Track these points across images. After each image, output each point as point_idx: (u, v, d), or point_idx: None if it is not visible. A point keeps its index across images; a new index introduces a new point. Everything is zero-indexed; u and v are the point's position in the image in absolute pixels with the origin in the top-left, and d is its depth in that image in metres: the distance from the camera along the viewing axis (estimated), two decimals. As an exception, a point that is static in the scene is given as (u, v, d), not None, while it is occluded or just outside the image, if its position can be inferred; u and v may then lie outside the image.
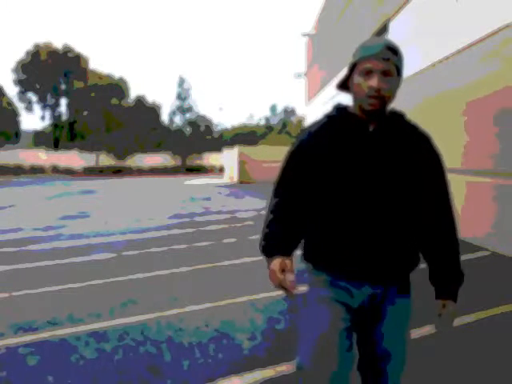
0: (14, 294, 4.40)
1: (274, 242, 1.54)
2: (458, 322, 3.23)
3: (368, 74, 1.40)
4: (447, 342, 2.94)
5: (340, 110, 1.54)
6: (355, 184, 1.43)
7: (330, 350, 1.42)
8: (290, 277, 1.45)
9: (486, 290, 4.02)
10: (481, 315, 3.41)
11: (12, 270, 5.44)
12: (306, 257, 1.57)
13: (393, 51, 1.42)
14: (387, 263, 1.46)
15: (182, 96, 51.16)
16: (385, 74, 1.39)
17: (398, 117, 1.52)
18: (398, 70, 1.43)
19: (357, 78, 1.44)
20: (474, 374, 2.55)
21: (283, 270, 1.47)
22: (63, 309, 3.88)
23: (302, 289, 1.56)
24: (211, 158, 49.38)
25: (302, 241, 1.59)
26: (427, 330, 3.11)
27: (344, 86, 1.56)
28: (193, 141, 49.42)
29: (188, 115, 51.46)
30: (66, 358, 2.92)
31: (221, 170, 41.09)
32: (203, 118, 53.34)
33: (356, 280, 1.47)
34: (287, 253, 1.53)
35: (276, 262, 1.49)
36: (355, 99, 1.48)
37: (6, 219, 10.54)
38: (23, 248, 6.85)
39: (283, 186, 1.60)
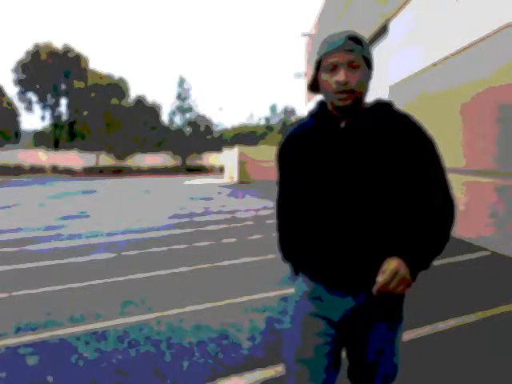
0: (13, 293, 4.40)
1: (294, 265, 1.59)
2: (458, 322, 3.25)
3: (333, 69, 1.33)
4: (447, 342, 2.94)
5: (320, 106, 1.47)
6: (326, 185, 1.38)
7: (303, 368, 1.39)
8: None
9: (486, 290, 4.02)
10: (481, 315, 3.41)
11: (12, 270, 5.44)
12: (297, 261, 1.57)
13: (356, 41, 1.34)
14: (368, 268, 1.34)
15: (181, 96, 51.16)
16: (351, 66, 1.32)
17: (383, 107, 1.41)
18: (367, 61, 1.36)
19: (323, 75, 1.37)
20: (475, 374, 2.55)
21: None
22: (63, 309, 3.89)
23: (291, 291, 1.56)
24: (211, 158, 49.39)
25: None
26: (427, 330, 3.11)
27: (314, 86, 1.48)
28: (193, 141, 49.42)
29: (188, 115, 51.46)
30: (66, 358, 2.92)
31: (221, 169, 41.10)
32: (203, 118, 53.35)
33: (336, 289, 1.40)
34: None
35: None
36: (326, 98, 1.41)
37: (6, 219, 10.54)
38: (23, 248, 6.85)
39: (281, 194, 1.59)
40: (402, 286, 1.26)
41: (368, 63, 1.37)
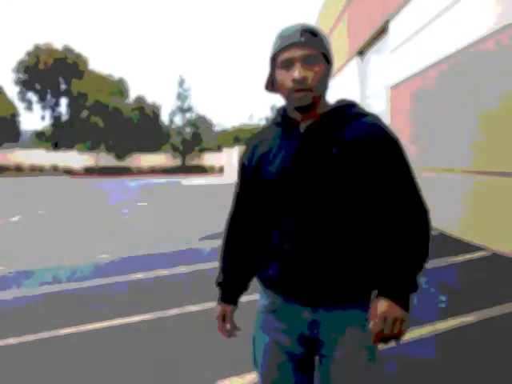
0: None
1: (221, 290, 1.53)
2: (458, 322, 3.24)
3: (288, 65, 1.22)
4: (447, 342, 2.94)
5: (280, 113, 1.37)
6: (286, 189, 1.28)
7: None
8: (226, 326, 1.53)
9: (486, 290, 4.02)
10: (481, 315, 3.40)
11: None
12: (256, 274, 1.45)
13: (312, 33, 1.23)
14: (324, 284, 1.24)
15: (181, 96, 51.12)
16: (307, 61, 1.21)
17: (342, 108, 1.30)
18: (325, 55, 1.25)
19: (279, 73, 1.26)
20: (475, 375, 2.55)
21: (224, 317, 1.52)
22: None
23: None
24: (211, 158, 49.36)
25: None
26: (427, 330, 3.11)
27: (269, 85, 1.38)
28: (192, 141, 49.38)
29: (188, 115, 51.42)
30: (66, 358, 2.92)
31: (221, 169, 41.07)
32: (203, 118, 53.32)
33: (293, 301, 1.30)
34: (230, 301, 1.52)
35: (218, 311, 1.55)
36: (283, 98, 1.30)
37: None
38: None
39: (237, 198, 1.49)
40: (398, 326, 1.17)
41: (326, 58, 1.26)
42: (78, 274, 5.12)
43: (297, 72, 1.21)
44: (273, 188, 1.31)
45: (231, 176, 28.73)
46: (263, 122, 58.38)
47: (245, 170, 1.43)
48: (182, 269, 5.25)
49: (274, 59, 1.28)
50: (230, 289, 1.51)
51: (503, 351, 2.83)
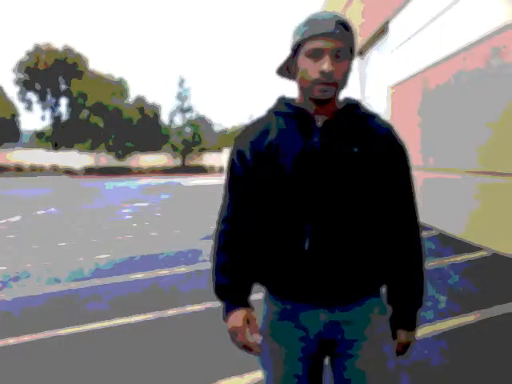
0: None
1: (233, 293, 1.29)
2: (458, 322, 3.24)
3: (317, 55, 1.16)
4: (447, 342, 2.94)
5: (284, 103, 1.30)
6: (307, 185, 1.21)
7: None
8: (257, 337, 1.22)
9: (486, 290, 4.02)
10: (481, 315, 3.40)
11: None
12: (259, 279, 1.33)
13: (345, 26, 1.17)
14: (340, 283, 1.22)
15: (181, 96, 51.13)
16: (337, 55, 1.16)
17: (353, 106, 1.28)
18: (352, 51, 1.21)
19: (303, 61, 1.19)
20: (475, 375, 2.54)
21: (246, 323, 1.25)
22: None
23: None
24: (211, 158, 49.35)
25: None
26: (427, 330, 3.10)
27: (284, 70, 1.33)
28: (192, 141, 49.39)
29: (188, 115, 51.43)
30: (66, 358, 2.92)
31: (221, 169, 41.06)
32: (203, 118, 53.33)
33: (308, 304, 1.24)
34: (248, 303, 1.30)
35: (239, 318, 1.24)
36: (301, 87, 1.24)
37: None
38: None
39: (232, 192, 1.33)
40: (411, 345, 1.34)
41: (352, 52, 1.22)
42: (77, 274, 5.12)
43: (326, 65, 1.15)
44: (287, 185, 1.22)
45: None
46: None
47: (244, 163, 1.29)
48: (182, 269, 5.25)
49: (298, 45, 1.20)
50: (242, 290, 1.31)
51: (503, 351, 2.82)
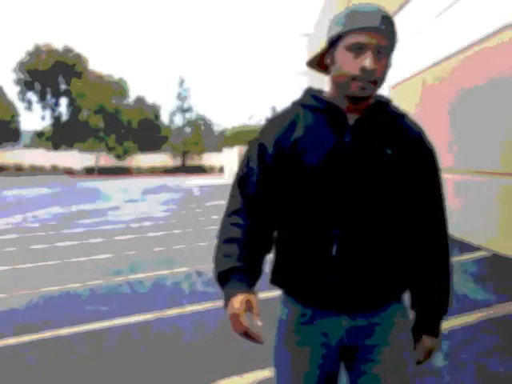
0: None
1: (237, 273, 1.14)
2: (458, 322, 3.24)
3: (359, 50, 1.09)
4: (447, 342, 2.94)
5: (313, 96, 1.23)
6: (336, 186, 1.15)
7: None
8: (259, 323, 1.07)
9: (486, 290, 4.02)
10: (481, 315, 3.40)
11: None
12: (275, 280, 1.26)
13: (390, 22, 1.11)
14: (366, 289, 1.17)
15: (181, 96, 51.16)
16: (379, 51, 1.10)
17: (383, 105, 1.21)
18: (393, 48, 1.15)
19: (342, 55, 1.12)
20: (474, 375, 2.54)
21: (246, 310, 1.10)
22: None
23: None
24: (211, 158, 49.38)
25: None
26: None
27: (317, 63, 1.26)
28: (192, 141, 49.41)
29: (188, 115, 51.47)
30: (66, 358, 2.92)
31: (221, 170, 41.09)
32: (203, 118, 53.36)
33: (329, 310, 1.18)
34: (251, 285, 1.16)
35: (238, 301, 1.09)
36: (335, 82, 1.17)
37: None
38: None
39: (247, 185, 1.23)
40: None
41: (392, 49, 1.15)
42: (77, 274, 5.12)
43: (368, 61, 1.08)
44: (314, 186, 1.15)
45: (232, 176, 28.79)
46: (263, 123, 58.42)
47: (265, 159, 1.21)
48: (183, 269, 5.25)
49: (338, 37, 1.13)
50: (249, 273, 1.17)
51: (504, 351, 2.82)
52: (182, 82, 51.02)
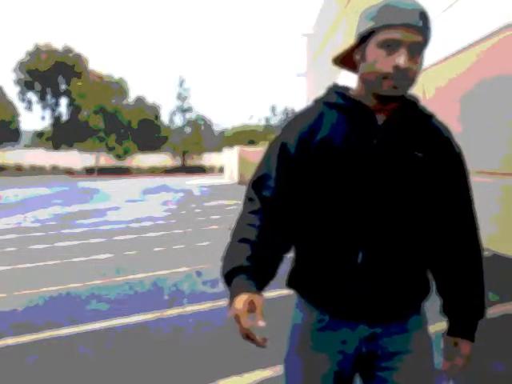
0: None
1: (245, 272, 1.07)
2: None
3: (392, 46, 1.02)
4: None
5: (338, 93, 1.16)
6: (363, 190, 1.09)
7: None
8: (261, 323, 0.97)
9: (486, 290, 4.01)
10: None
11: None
12: (292, 283, 1.22)
13: (425, 15, 1.04)
14: (390, 298, 1.12)
15: (181, 96, 51.18)
16: (414, 50, 1.03)
17: (412, 104, 1.15)
18: (426, 45, 1.08)
19: (373, 51, 1.05)
20: (474, 375, 2.54)
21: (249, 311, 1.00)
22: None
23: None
24: (211, 158, 49.39)
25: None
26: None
27: (344, 60, 1.19)
28: (192, 141, 49.42)
29: (188, 115, 51.48)
30: (66, 358, 2.92)
31: (221, 170, 41.10)
32: (203, 117, 53.38)
33: (350, 318, 1.14)
34: (259, 287, 1.07)
35: (241, 301, 0.99)
36: (365, 80, 1.10)
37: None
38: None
39: (265, 185, 1.16)
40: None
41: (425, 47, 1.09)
42: (77, 274, 5.12)
43: (403, 59, 1.01)
44: (340, 190, 1.10)
45: (232, 176, 28.77)
46: (263, 123, 58.50)
47: (287, 159, 1.15)
48: (182, 269, 5.25)
49: (369, 32, 1.06)
50: (258, 274, 1.08)
51: (504, 351, 2.82)
52: (181, 82, 51.05)
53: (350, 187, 1.09)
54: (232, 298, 1.04)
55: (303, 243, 1.18)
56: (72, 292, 4.42)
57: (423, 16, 1.03)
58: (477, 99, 5.83)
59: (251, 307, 1.00)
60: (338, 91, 1.17)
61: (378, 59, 1.04)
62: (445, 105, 6.70)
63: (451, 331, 1.24)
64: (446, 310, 1.25)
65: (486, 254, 4.30)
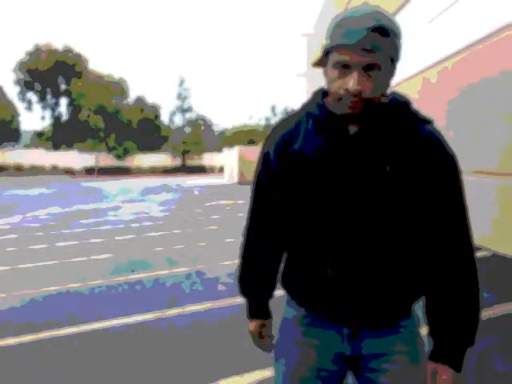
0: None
1: (256, 302, 1.34)
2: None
3: (344, 69, 0.99)
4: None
5: (316, 103, 1.14)
6: (331, 202, 1.08)
7: None
8: (266, 342, 1.36)
9: (486, 290, 4.02)
10: (480, 316, 3.40)
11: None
12: (282, 283, 1.28)
13: (382, 32, 0.96)
14: (367, 306, 1.11)
15: (181, 96, 51.17)
16: (369, 68, 0.97)
17: (398, 108, 1.09)
18: (392, 58, 1.01)
19: (330, 71, 1.03)
20: (474, 374, 2.54)
21: (261, 332, 1.34)
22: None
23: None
24: (211, 158, 49.39)
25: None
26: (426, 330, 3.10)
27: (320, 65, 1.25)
28: (192, 141, 49.42)
29: (188, 115, 51.47)
30: (66, 358, 2.92)
31: (221, 170, 41.09)
32: (203, 117, 53.38)
33: (330, 321, 1.16)
34: (268, 314, 1.35)
35: (254, 326, 1.34)
36: (330, 95, 1.07)
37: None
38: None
39: (259, 196, 1.26)
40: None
41: (392, 59, 1.02)
42: (77, 274, 5.12)
43: (351, 83, 0.98)
44: (308, 203, 1.11)
45: (232, 176, 28.76)
46: (263, 122, 58.51)
47: (269, 167, 1.19)
48: (183, 269, 5.25)
49: (326, 51, 1.04)
50: (266, 300, 1.35)
51: (504, 351, 2.82)
52: (181, 82, 51.03)
53: (317, 203, 1.10)
54: (249, 318, 1.35)
55: (289, 247, 1.24)
56: (72, 292, 4.43)
57: (377, 31, 0.95)
58: (476, 99, 5.83)
59: (262, 328, 1.34)
60: (317, 98, 1.15)
61: (332, 80, 1.02)
62: (445, 105, 6.70)
63: (432, 355, 1.14)
64: (431, 332, 1.16)
65: (485, 253, 4.29)
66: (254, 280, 1.32)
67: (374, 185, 1.06)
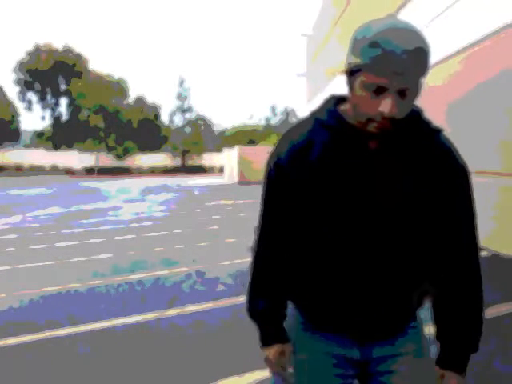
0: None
1: (270, 329, 1.23)
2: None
3: (378, 91, 0.94)
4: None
5: (330, 112, 1.10)
6: (346, 219, 1.06)
7: None
8: (289, 370, 1.21)
9: (485, 290, 4.01)
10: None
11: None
12: (294, 299, 1.25)
13: (420, 56, 0.91)
14: (387, 318, 1.13)
15: (181, 96, 51.18)
16: (404, 93, 0.94)
17: (413, 122, 1.06)
18: (422, 78, 0.97)
19: (359, 90, 0.96)
20: (474, 374, 2.54)
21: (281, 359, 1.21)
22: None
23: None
24: (211, 158, 49.40)
25: None
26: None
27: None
28: (192, 141, 49.43)
29: (188, 115, 51.49)
30: (66, 358, 2.92)
31: (221, 170, 41.11)
32: (203, 117, 53.40)
33: (341, 334, 1.16)
34: (286, 338, 1.22)
35: (273, 353, 1.22)
36: (354, 112, 1.02)
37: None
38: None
39: (267, 211, 1.19)
40: None
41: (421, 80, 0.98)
42: (77, 274, 5.12)
43: (388, 108, 0.93)
44: (326, 217, 1.07)
45: (232, 176, 28.77)
46: (263, 122, 58.53)
47: (282, 176, 1.12)
48: (183, 269, 5.25)
49: (355, 68, 0.96)
50: (281, 320, 1.24)
51: (504, 351, 2.82)
52: (181, 82, 51.03)
53: (336, 218, 1.07)
54: (264, 344, 1.23)
55: (299, 262, 1.18)
56: (72, 292, 4.43)
57: (418, 53, 0.90)
58: (477, 99, 5.83)
59: (281, 356, 1.21)
60: (329, 109, 1.10)
61: (362, 100, 0.97)
62: (444, 105, 6.70)
63: (439, 361, 1.17)
64: (437, 337, 1.19)
65: (485, 253, 4.31)
66: (268, 301, 1.21)
67: (394, 200, 1.05)
